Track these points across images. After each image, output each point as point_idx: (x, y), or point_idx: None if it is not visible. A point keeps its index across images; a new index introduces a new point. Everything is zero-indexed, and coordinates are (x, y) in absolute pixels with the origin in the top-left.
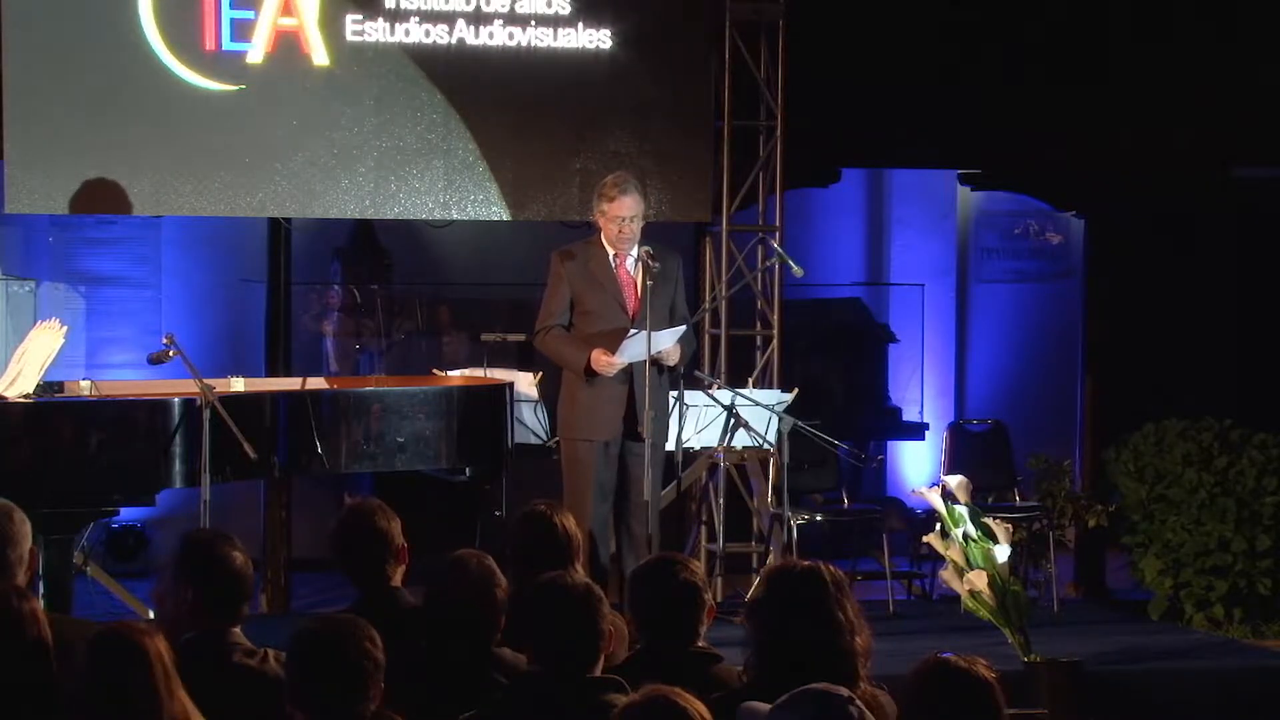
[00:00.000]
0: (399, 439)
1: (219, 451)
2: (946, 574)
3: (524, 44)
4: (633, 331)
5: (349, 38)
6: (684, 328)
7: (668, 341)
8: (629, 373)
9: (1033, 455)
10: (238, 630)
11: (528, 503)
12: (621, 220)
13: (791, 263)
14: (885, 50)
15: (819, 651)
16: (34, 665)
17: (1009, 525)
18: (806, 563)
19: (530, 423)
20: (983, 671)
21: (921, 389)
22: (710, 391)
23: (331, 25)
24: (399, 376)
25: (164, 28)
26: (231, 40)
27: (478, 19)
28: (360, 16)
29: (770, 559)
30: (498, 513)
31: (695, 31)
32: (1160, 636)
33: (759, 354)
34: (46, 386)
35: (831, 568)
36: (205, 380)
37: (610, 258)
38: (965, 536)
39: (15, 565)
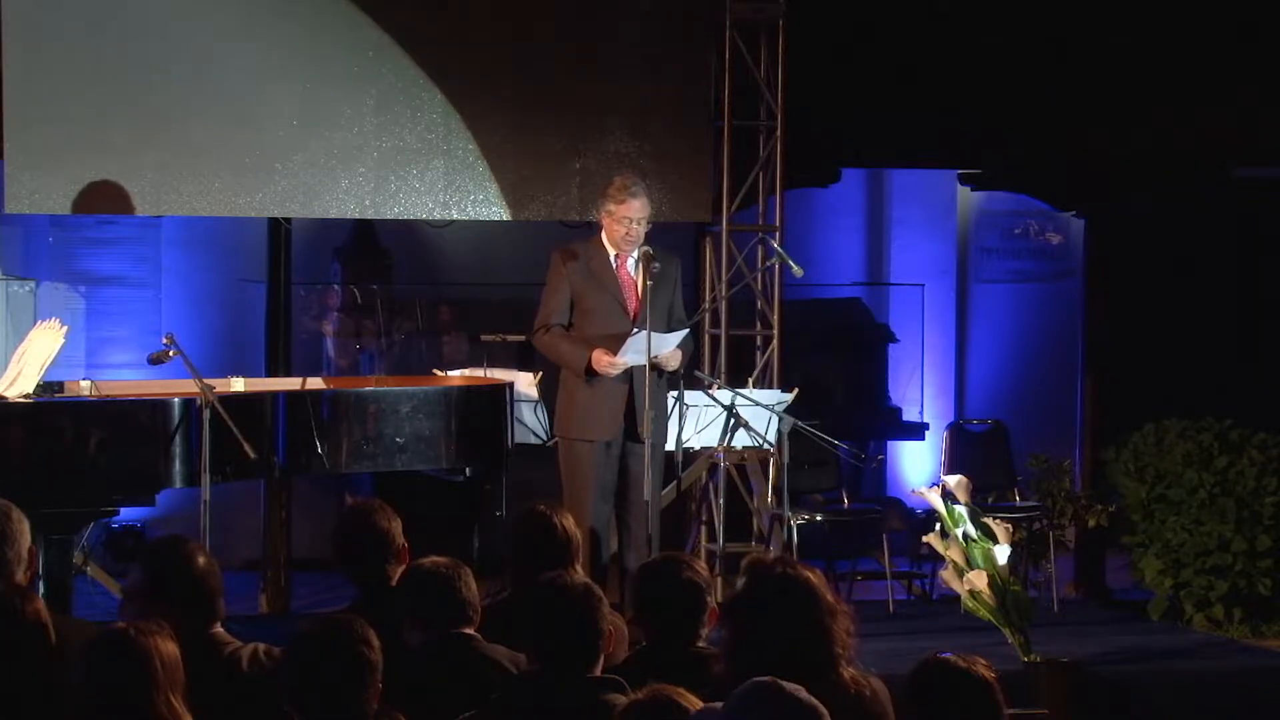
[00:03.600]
0: (399, 439)
1: (219, 451)
2: (946, 574)
3: (524, 43)
4: (635, 331)
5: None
6: (686, 331)
7: (671, 344)
8: (629, 373)
9: (1033, 455)
10: (219, 628)
11: (527, 503)
12: (629, 222)
13: (791, 263)
14: (885, 50)
15: (792, 653)
16: (37, 665)
17: (1009, 525)
18: (784, 567)
19: (530, 423)
20: (983, 671)
21: (921, 389)
22: (710, 391)
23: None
24: (399, 376)
25: None
26: None
27: (477, 17)
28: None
29: None
30: (498, 513)
31: (695, 31)
32: (1160, 636)
33: (759, 354)
34: (46, 386)
35: (808, 570)
36: (205, 380)
37: (611, 258)
38: (965, 536)
39: (13, 564)
